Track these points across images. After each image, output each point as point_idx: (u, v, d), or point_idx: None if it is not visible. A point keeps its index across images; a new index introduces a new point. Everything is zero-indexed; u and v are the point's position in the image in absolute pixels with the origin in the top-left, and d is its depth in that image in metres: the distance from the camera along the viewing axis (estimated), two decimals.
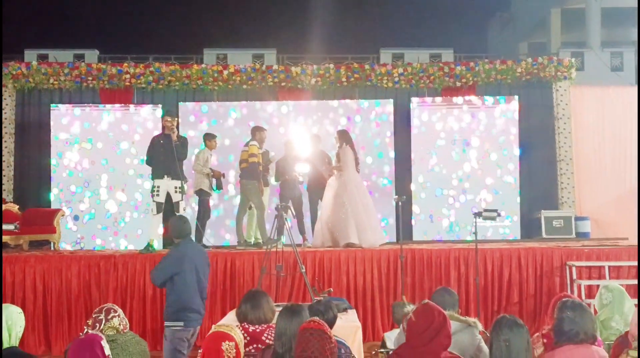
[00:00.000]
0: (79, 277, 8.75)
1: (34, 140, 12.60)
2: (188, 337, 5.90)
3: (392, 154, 12.43)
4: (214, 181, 10.37)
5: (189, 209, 10.94)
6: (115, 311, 4.25)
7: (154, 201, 9.26)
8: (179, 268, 5.88)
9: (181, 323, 5.83)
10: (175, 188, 9.19)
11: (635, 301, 4.96)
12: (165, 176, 9.18)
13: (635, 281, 8.70)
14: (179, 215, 7.63)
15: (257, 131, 10.03)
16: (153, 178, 9.38)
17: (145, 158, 9.65)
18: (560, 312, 4.03)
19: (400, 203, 8.81)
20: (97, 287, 8.74)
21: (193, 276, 5.92)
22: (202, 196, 10.28)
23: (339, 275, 8.92)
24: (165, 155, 9.12)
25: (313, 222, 10.46)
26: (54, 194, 12.04)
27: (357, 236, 9.59)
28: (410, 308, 5.20)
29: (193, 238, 9.58)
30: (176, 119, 9.55)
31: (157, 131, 10.73)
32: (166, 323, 5.90)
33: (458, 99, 12.55)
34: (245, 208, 10.02)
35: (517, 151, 12.34)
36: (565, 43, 18.61)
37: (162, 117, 9.61)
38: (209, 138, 10.47)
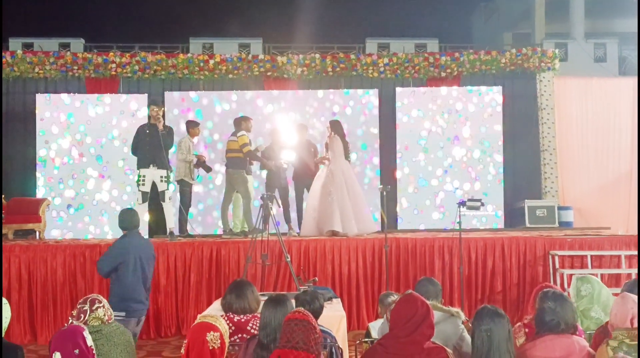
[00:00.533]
0: (65, 266, 8.70)
1: (19, 129, 12.49)
2: (131, 327, 5.84)
3: (377, 144, 12.44)
4: (196, 170, 10.28)
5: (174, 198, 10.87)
6: (100, 301, 4.22)
7: (139, 190, 9.20)
8: (123, 258, 5.98)
9: (123, 313, 5.82)
10: (161, 177, 9.14)
11: (613, 291, 5.01)
12: (151, 166, 9.13)
13: (618, 271, 8.80)
14: (128, 208, 7.62)
15: (243, 121, 10.02)
16: (139, 167, 9.30)
17: (131, 148, 9.59)
18: (542, 302, 4.06)
19: (385, 193, 8.82)
20: (82, 276, 8.68)
21: (137, 267, 6.02)
22: (184, 186, 10.18)
23: (324, 264, 8.92)
24: (151, 144, 9.06)
25: (299, 211, 10.46)
26: (39, 184, 11.94)
27: (340, 225, 9.58)
28: (394, 298, 5.21)
29: (176, 227, 9.65)
30: (162, 108, 9.46)
31: (144, 120, 10.67)
32: None
33: (443, 89, 12.56)
34: (230, 197, 10.01)
35: (500, 141, 12.37)
36: (549, 34, 18.64)
37: (148, 106, 9.51)
38: (191, 125, 10.35)
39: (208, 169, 10.35)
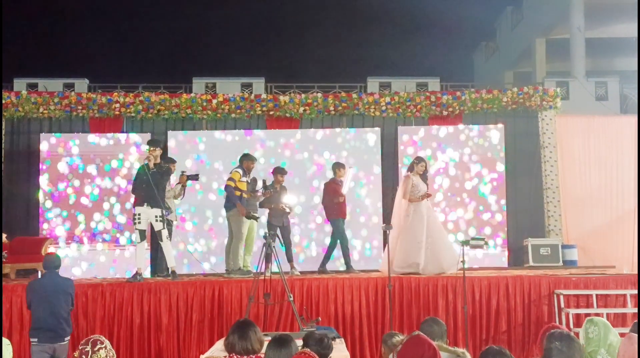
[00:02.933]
0: None
1: (22, 169, 12.52)
2: (47, 351, 6.92)
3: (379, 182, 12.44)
4: (183, 190, 10.32)
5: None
6: (102, 342, 4.20)
7: (136, 228, 9.31)
8: (31, 295, 7.13)
9: (35, 340, 6.98)
10: (156, 216, 9.23)
11: (620, 331, 4.97)
12: (145, 204, 9.23)
13: (624, 310, 8.74)
14: (51, 252, 8.36)
15: (244, 159, 10.03)
16: (134, 206, 9.40)
17: (132, 187, 9.69)
18: (549, 342, 4.03)
19: (388, 232, 8.82)
20: (84, 316, 8.66)
21: (45, 302, 6.99)
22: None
23: (326, 303, 8.89)
24: (146, 183, 9.18)
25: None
26: (43, 224, 11.92)
27: (421, 263, 9.58)
28: (399, 338, 5.18)
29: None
30: (157, 148, 9.48)
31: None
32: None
33: (445, 128, 12.60)
34: (231, 236, 9.98)
35: (503, 179, 12.35)
36: (550, 73, 18.80)
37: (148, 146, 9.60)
38: (168, 162, 10.18)
39: (196, 178, 10.35)
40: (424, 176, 10.18)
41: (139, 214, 9.24)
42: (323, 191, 10.98)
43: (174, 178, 10.46)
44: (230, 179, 9.77)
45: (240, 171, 9.81)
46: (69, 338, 7.14)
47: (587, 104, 14.47)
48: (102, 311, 8.72)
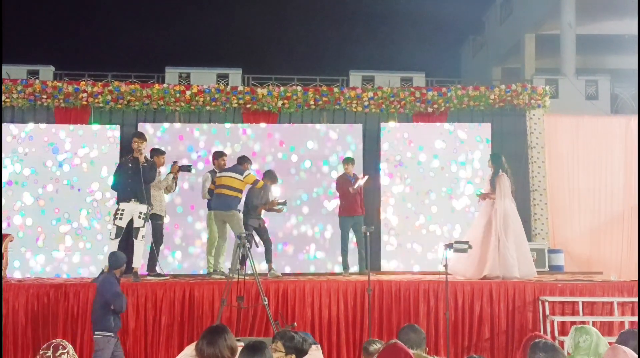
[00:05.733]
0: (27, 307, 8.60)
1: None
2: None
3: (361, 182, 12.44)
4: (175, 181, 10.24)
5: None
6: (65, 347, 4.15)
7: (114, 224, 9.19)
8: None
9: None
10: (140, 213, 9.17)
11: (607, 340, 5.02)
12: (133, 200, 9.14)
13: (610, 319, 8.82)
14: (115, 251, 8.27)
15: (246, 161, 10.22)
16: (119, 201, 9.26)
17: (112, 181, 9.59)
18: (532, 353, 4.06)
19: (368, 233, 8.84)
20: (45, 318, 8.59)
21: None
22: (155, 220, 10.05)
23: (303, 307, 8.90)
24: (132, 178, 9.10)
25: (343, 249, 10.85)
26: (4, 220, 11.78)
27: (500, 268, 9.64)
28: (377, 346, 5.20)
29: (146, 264, 9.53)
30: (145, 141, 9.42)
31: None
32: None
33: (429, 125, 12.66)
34: (225, 236, 10.01)
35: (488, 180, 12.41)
36: (540, 69, 18.89)
37: (133, 138, 9.47)
38: (156, 153, 10.11)
39: (189, 169, 10.35)
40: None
41: (123, 210, 9.13)
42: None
43: (164, 169, 10.35)
44: (256, 182, 10.04)
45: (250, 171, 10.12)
46: (100, 334, 7.46)
47: (576, 103, 14.57)
48: (65, 313, 8.65)
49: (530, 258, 10.20)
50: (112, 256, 7.81)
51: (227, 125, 12.56)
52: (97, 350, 7.48)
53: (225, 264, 10.00)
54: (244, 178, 9.93)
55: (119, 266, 7.72)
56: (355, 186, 10.73)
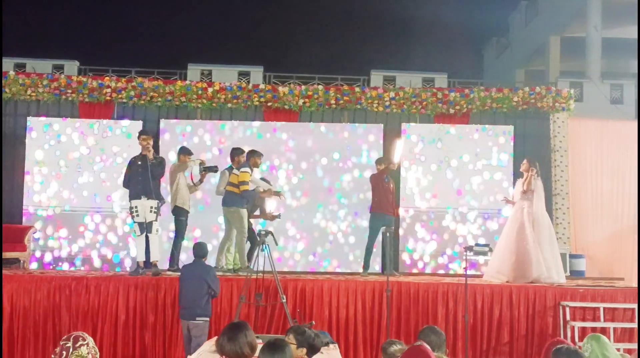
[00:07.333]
0: (49, 299, 8.69)
1: (8, 153, 12.49)
2: (185, 326, 8.03)
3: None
4: (200, 183, 10.32)
5: (161, 230, 10.83)
6: (85, 339, 4.20)
7: (134, 221, 9.45)
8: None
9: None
10: (151, 207, 9.37)
11: (626, 346, 4.98)
12: (142, 197, 9.33)
13: (631, 325, 8.75)
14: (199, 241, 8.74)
15: (252, 155, 9.92)
16: (130, 199, 9.50)
17: (123, 180, 9.78)
18: None
19: (388, 234, 8.83)
20: (67, 310, 8.68)
21: (184, 285, 8.09)
22: (179, 215, 10.11)
23: (320, 306, 8.91)
24: (142, 175, 9.32)
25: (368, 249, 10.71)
26: (27, 210, 11.90)
27: (536, 272, 9.59)
28: (397, 347, 5.19)
29: (167, 260, 9.59)
30: (152, 138, 9.64)
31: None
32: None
33: (451, 127, 12.60)
34: (231, 235, 9.93)
35: (511, 183, 12.35)
36: (564, 72, 18.79)
37: (138, 136, 9.62)
38: (184, 152, 10.21)
39: (215, 169, 10.33)
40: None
41: (136, 207, 9.38)
42: None
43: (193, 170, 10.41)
44: (243, 182, 9.59)
45: (249, 169, 9.75)
46: (202, 319, 7.90)
47: (601, 107, 14.49)
48: (86, 306, 8.73)
49: (561, 263, 10.16)
50: (198, 246, 8.32)
51: (255, 123, 12.57)
52: (197, 336, 7.84)
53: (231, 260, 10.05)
54: (240, 173, 9.68)
55: (204, 255, 8.25)
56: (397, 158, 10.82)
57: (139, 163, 9.44)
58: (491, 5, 23.16)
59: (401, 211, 12.18)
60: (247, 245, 9.95)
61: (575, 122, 13.16)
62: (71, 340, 4.19)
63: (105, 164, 12.05)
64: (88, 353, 4.18)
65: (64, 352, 4.14)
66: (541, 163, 12.55)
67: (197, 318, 7.87)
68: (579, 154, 13.04)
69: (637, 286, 9.17)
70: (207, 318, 8.00)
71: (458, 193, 12.33)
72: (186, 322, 7.97)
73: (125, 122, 12.27)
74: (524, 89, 13.03)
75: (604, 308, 8.84)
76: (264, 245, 8.29)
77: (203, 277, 7.97)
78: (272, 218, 10.39)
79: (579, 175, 12.99)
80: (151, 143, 9.51)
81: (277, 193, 10.12)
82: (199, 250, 8.25)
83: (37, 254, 11.67)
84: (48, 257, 11.77)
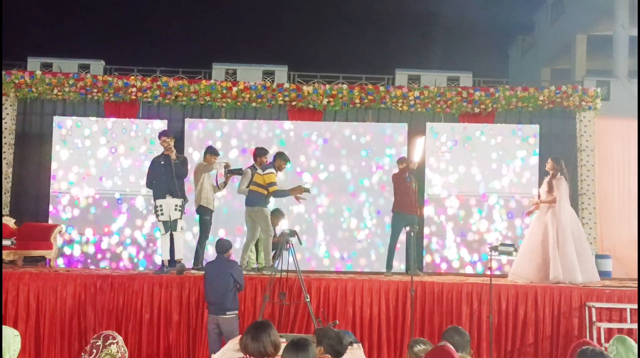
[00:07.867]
0: (75, 297, 8.79)
1: (34, 152, 12.66)
2: (213, 322, 8.06)
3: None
4: (224, 184, 10.46)
5: (187, 228, 10.91)
6: (114, 338, 4.27)
7: (159, 221, 9.61)
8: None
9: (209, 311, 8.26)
10: (176, 205, 9.53)
11: None
12: (167, 196, 9.50)
13: None
14: (222, 238, 9.01)
15: (278, 157, 10.00)
16: (155, 198, 9.64)
17: (146, 180, 9.92)
18: None
19: (412, 234, 8.83)
20: (92, 308, 8.77)
21: (209, 281, 8.14)
22: (204, 214, 10.23)
23: (344, 305, 8.93)
24: (166, 175, 9.50)
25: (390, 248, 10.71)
26: (53, 209, 12.02)
27: (563, 273, 9.57)
28: (422, 347, 5.19)
29: (192, 259, 9.77)
30: (173, 138, 9.76)
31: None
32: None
33: (476, 126, 12.54)
34: (255, 234, 9.99)
35: (536, 181, 12.26)
36: (591, 71, 18.59)
37: (159, 137, 9.74)
38: (211, 152, 10.37)
39: (240, 172, 10.45)
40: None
41: (160, 206, 9.55)
42: None
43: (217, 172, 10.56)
44: (271, 184, 9.67)
45: (273, 170, 9.82)
46: (232, 313, 8.04)
47: (628, 106, 14.27)
48: (111, 304, 8.82)
49: (593, 262, 10.09)
50: (219, 242, 8.44)
51: (283, 123, 12.61)
52: (229, 330, 7.93)
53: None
54: (264, 174, 9.77)
55: (227, 250, 8.33)
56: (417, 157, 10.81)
57: (162, 162, 9.59)
58: (517, 3, 22.97)
59: (425, 211, 12.13)
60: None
61: (602, 122, 13.06)
62: (101, 338, 4.27)
63: (132, 164, 12.13)
64: (117, 352, 4.25)
65: (94, 350, 4.22)
66: (567, 163, 12.49)
67: (228, 313, 7.98)
68: (606, 153, 12.94)
69: (636, 286, 9.08)
70: (237, 312, 8.13)
71: (483, 194, 12.27)
72: (215, 317, 8.02)
73: (152, 122, 12.34)
74: (550, 88, 12.95)
75: (631, 309, 8.76)
76: (288, 244, 8.32)
77: (229, 271, 8.08)
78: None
79: (606, 175, 12.89)
80: (172, 143, 9.64)
81: (307, 190, 10.13)
82: (222, 246, 8.35)
83: (67, 252, 11.81)
84: (76, 253, 11.89)
